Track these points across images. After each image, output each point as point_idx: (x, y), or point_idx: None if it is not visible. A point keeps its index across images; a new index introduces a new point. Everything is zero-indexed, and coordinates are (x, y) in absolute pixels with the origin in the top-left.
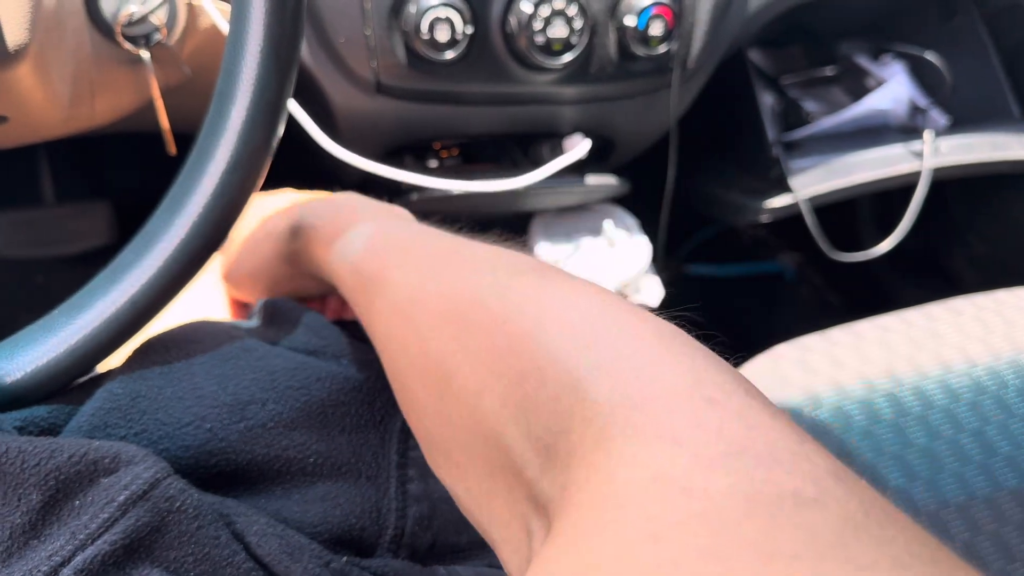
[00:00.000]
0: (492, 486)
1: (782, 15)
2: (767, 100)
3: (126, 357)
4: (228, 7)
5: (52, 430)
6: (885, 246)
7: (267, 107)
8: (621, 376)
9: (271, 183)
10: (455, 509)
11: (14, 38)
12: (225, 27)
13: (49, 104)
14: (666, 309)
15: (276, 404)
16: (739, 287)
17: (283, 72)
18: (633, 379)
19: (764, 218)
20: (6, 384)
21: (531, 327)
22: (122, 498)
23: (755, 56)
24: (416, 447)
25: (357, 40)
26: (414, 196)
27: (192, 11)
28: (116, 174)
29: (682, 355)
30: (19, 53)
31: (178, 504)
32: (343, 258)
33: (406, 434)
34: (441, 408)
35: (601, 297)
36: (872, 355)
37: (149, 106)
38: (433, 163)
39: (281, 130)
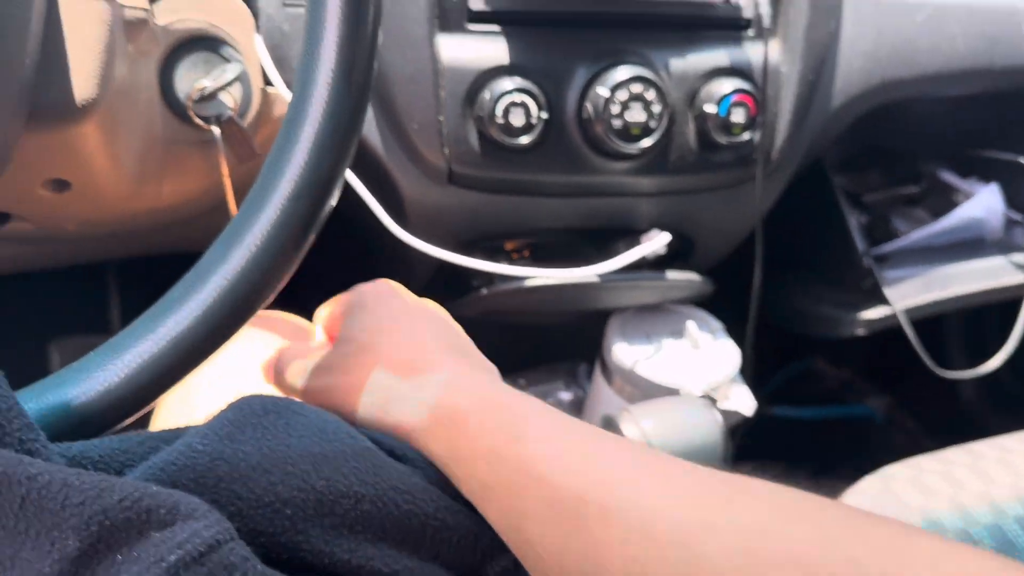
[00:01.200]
0: None
1: (861, 130)
2: (852, 215)
3: (215, 412)
4: None
5: (108, 471)
6: (996, 361)
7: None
8: None
9: (345, 282)
10: None
11: (83, 91)
12: None
13: (114, 175)
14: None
15: (372, 505)
16: (824, 429)
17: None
18: None
19: (859, 331)
20: (64, 411)
21: None
22: (173, 558)
23: (836, 180)
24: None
25: (430, 126)
26: (484, 291)
27: (267, 98)
28: None
29: None
30: (86, 109)
31: (238, 575)
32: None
33: (500, 550)
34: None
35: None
36: (997, 476)
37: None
38: (499, 264)
39: (335, 197)
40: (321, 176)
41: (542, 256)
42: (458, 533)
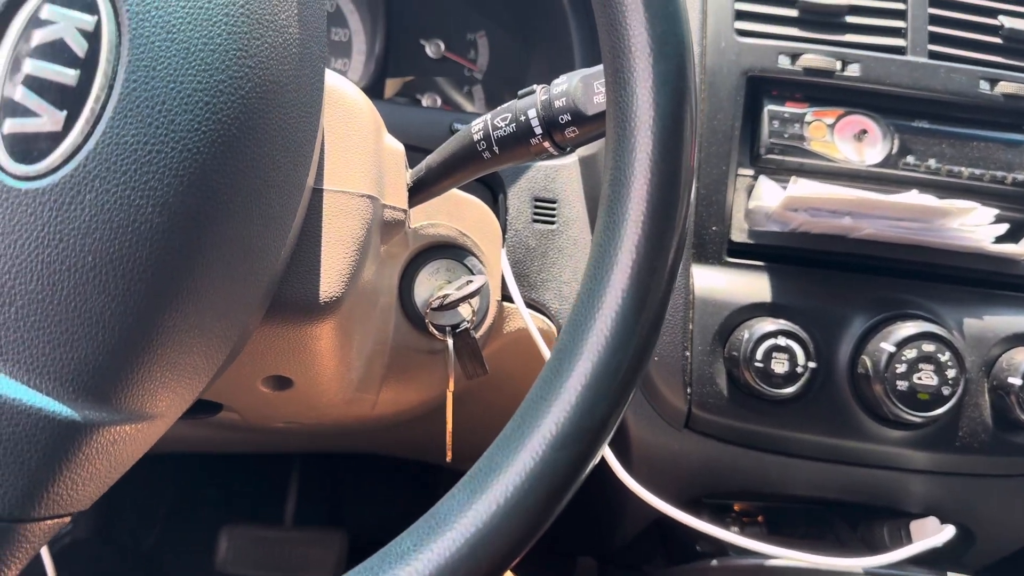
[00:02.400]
0: None
1: None
2: None
3: None
4: (541, 317)
5: None
6: None
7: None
8: None
9: None
10: None
11: (329, 289)
12: (536, 333)
13: (338, 379)
14: None
15: None
16: None
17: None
18: None
19: None
20: None
21: None
22: None
23: None
24: None
25: (674, 363)
26: (715, 563)
27: (501, 312)
28: (356, 502)
29: None
30: (328, 307)
31: None
32: None
33: None
34: None
35: None
36: None
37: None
38: (734, 529)
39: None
40: (594, 422)
41: (777, 527)
42: None
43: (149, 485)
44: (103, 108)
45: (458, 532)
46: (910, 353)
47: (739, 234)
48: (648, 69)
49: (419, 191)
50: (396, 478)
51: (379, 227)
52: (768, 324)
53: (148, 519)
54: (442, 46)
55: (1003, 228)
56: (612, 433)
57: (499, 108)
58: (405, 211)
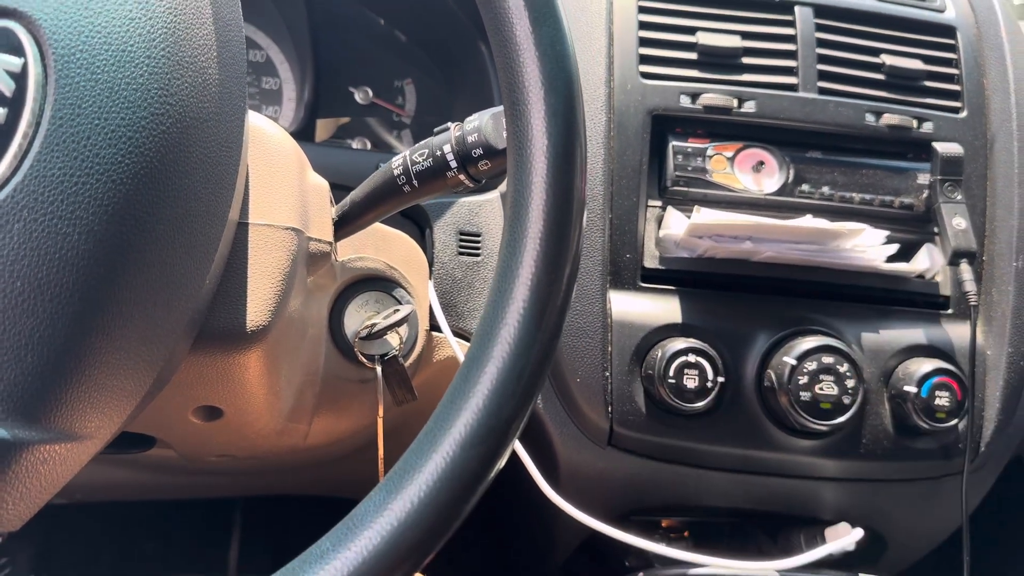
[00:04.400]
0: None
1: None
2: None
3: None
4: (468, 344)
5: None
6: None
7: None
8: None
9: (480, 541)
10: None
11: (255, 319)
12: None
13: (268, 408)
14: None
15: None
16: None
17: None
18: None
19: None
20: None
21: None
22: None
23: None
24: None
25: (595, 383)
26: (640, 575)
27: (430, 341)
28: (301, 546)
29: None
30: (255, 336)
31: None
32: None
33: None
34: None
35: None
36: None
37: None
38: (661, 544)
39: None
40: (500, 423)
41: (703, 540)
42: None
43: (88, 540)
44: (30, 143)
45: (374, 531)
46: (811, 365)
47: (651, 261)
48: (540, 102)
49: (344, 225)
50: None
51: (305, 259)
52: (679, 343)
53: (89, 574)
54: (370, 93)
55: (894, 248)
56: (518, 433)
57: (417, 144)
58: (330, 243)
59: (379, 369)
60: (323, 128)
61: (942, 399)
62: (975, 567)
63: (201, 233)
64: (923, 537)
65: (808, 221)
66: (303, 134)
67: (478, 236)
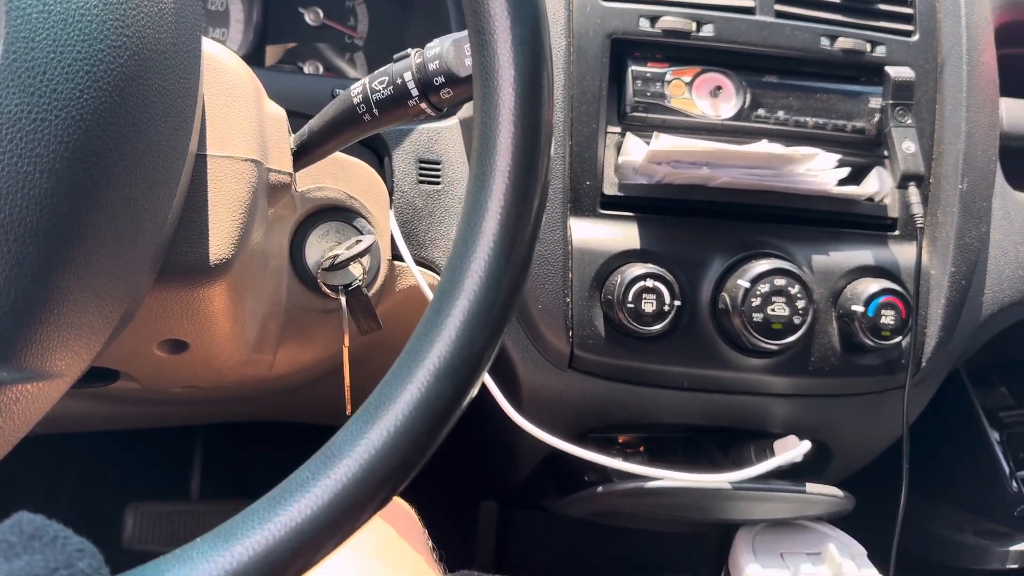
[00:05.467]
0: None
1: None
2: (994, 435)
3: None
4: (431, 273)
5: None
6: None
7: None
8: None
9: (443, 464)
10: None
11: (218, 252)
12: (426, 288)
13: (233, 340)
14: None
15: None
16: None
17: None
18: None
19: (1012, 565)
20: None
21: None
22: None
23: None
24: None
25: (556, 308)
26: (599, 489)
27: (392, 270)
28: (262, 471)
29: None
30: (218, 270)
31: None
32: None
33: None
34: None
35: None
36: None
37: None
38: (618, 460)
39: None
40: (472, 354)
41: (657, 455)
42: None
43: (52, 467)
44: None
45: (353, 459)
46: (764, 288)
47: (610, 187)
48: (507, 32)
49: (303, 155)
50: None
51: (265, 190)
52: (638, 268)
53: (51, 501)
54: (321, 13)
55: (845, 172)
56: (490, 363)
57: (376, 72)
58: (290, 174)
59: (343, 299)
60: (271, 52)
61: (887, 318)
62: (913, 473)
63: (163, 167)
64: (866, 448)
65: (763, 146)
66: (252, 59)
67: (438, 164)
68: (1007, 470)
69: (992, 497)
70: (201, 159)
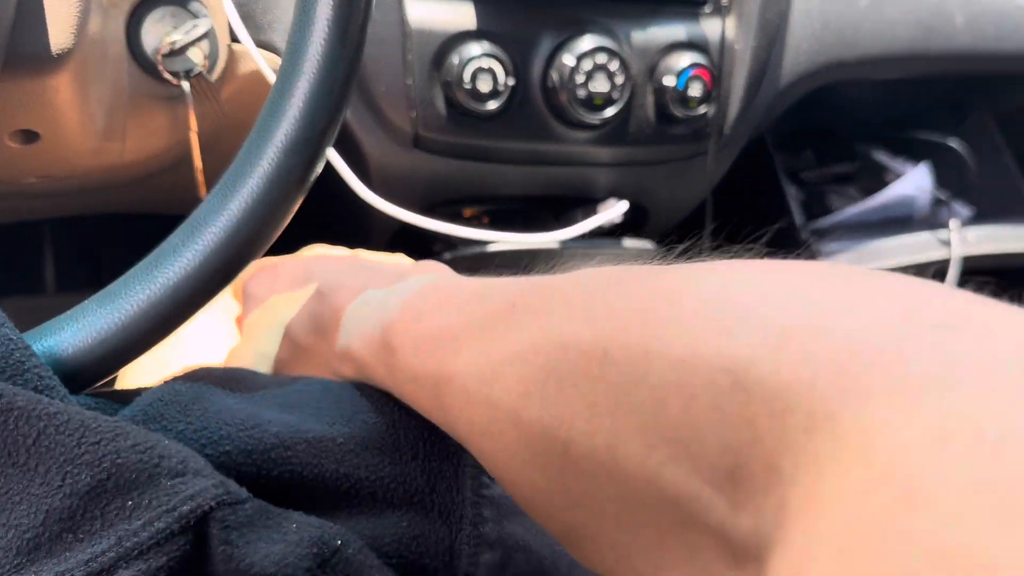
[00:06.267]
0: (664, 556)
1: (800, 110)
2: (791, 190)
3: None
4: (271, 55)
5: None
6: None
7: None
8: (797, 339)
9: (299, 239)
10: (531, 560)
11: (59, 41)
12: (267, 70)
13: (82, 129)
14: None
15: (344, 426)
16: None
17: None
18: (814, 338)
19: None
20: (59, 357)
21: (640, 335)
22: (186, 508)
23: (776, 157)
24: (491, 484)
25: (397, 90)
26: (447, 255)
27: (233, 55)
28: (116, 261)
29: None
30: (61, 59)
31: (247, 531)
32: (368, 321)
33: (479, 469)
34: (564, 484)
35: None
36: None
37: (174, 162)
38: (463, 228)
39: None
40: (316, 130)
41: (499, 223)
42: (426, 431)
43: None
44: None
45: (218, 227)
46: (587, 65)
47: None
48: None
49: None
50: (151, 232)
51: None
52: (474, 48)
53: None
54: None
55: None
56: (332, 141)
57: None
58: None
59: (186, 85)
60: None
61: (694, 90)
62: (716, 229)
63: None
64: (677, 207)
65: None
66: None
67: None
68: (798, 221)
69: (786, 244)
70: None
